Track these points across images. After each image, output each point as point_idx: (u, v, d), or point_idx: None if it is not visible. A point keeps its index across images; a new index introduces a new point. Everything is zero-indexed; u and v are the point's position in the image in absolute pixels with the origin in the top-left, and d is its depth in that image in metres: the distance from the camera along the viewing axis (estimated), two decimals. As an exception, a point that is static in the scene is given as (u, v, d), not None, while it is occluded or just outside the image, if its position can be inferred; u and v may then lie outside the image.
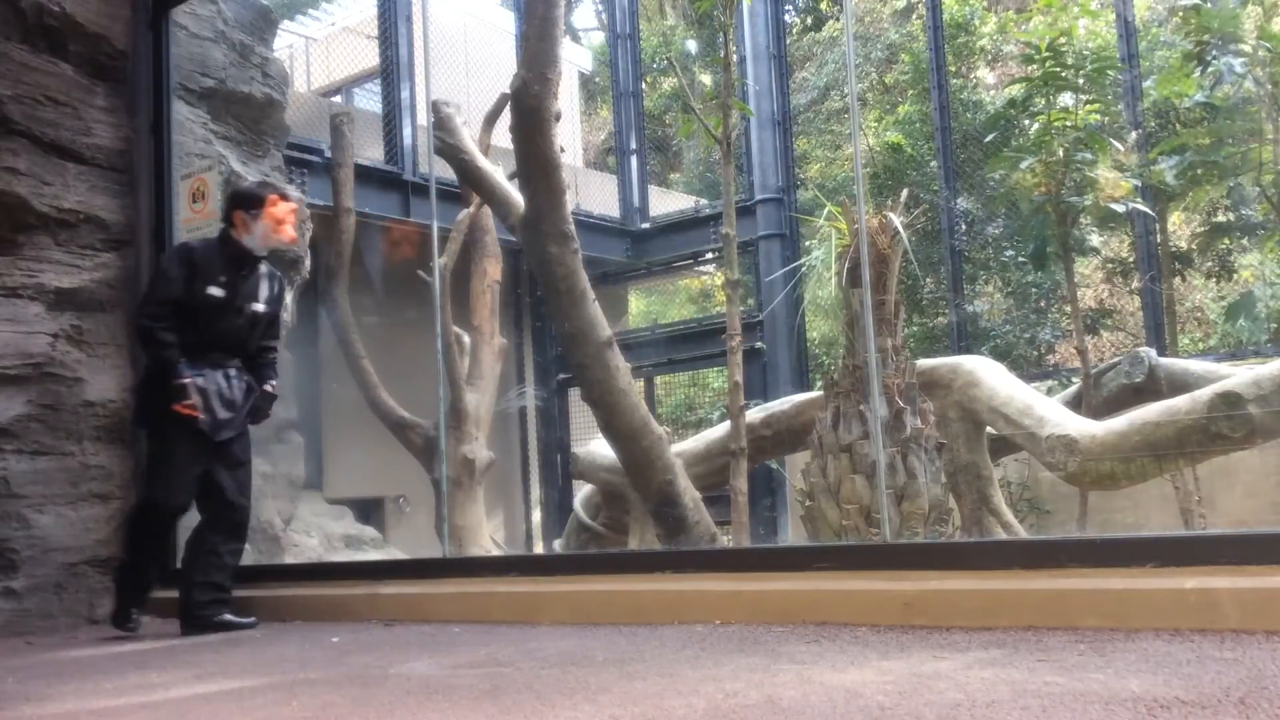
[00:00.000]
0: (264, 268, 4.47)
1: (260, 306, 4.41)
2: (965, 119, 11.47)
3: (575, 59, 16.16)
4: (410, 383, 8.85)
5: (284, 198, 4.42)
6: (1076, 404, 6.90)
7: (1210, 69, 7.92)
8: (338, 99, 12.85)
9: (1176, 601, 2.59)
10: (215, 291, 4.24)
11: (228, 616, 4.25)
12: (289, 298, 6.43)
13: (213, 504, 4.30)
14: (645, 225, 12.15)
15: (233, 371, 4.34)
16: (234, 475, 4.32)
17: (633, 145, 12.26)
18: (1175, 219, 11.05)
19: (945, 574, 3.05)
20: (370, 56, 11.31)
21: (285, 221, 4.38)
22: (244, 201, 4.36)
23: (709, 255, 12.20)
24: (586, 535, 7.96)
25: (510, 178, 7.09)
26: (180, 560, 4.49)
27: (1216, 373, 6.47)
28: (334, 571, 5.31)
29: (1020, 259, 10.75)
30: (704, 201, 13.56)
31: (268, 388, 4.47)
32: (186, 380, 4.10)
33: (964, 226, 10.95)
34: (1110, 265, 11.53)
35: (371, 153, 9.91)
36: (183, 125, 5.56)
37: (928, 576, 3.06)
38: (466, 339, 8.74)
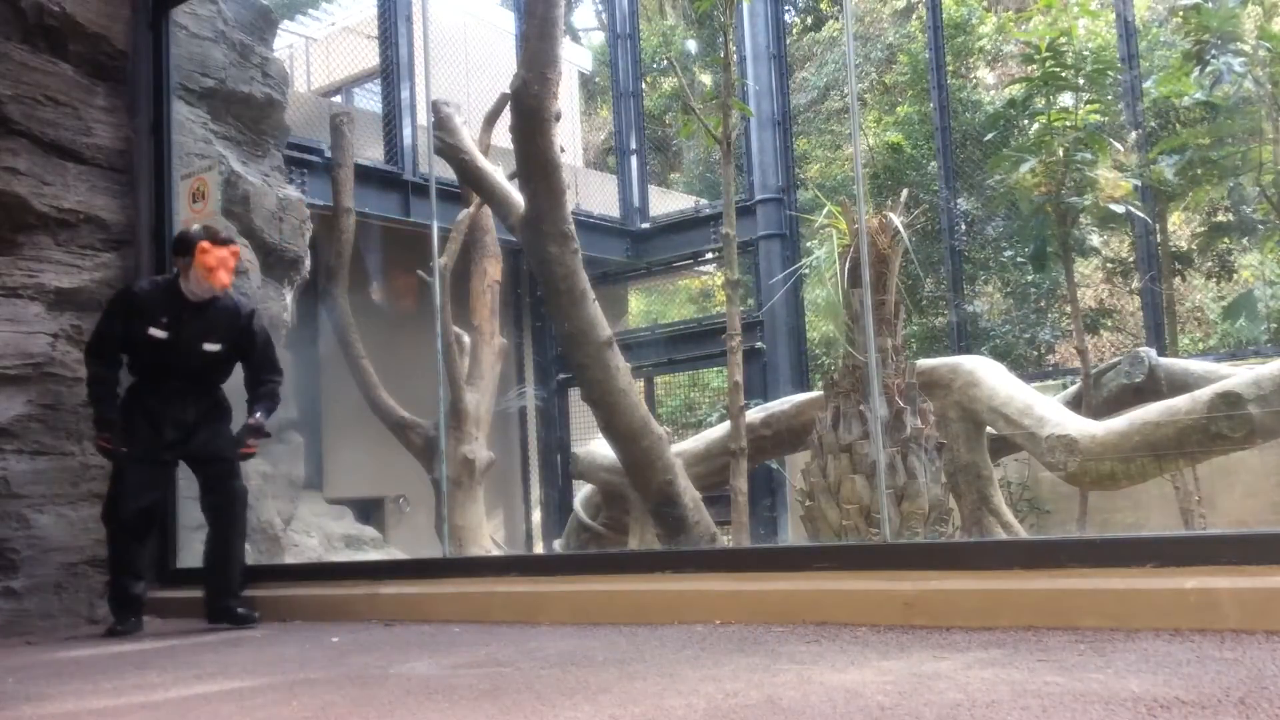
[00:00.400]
0: (224, 305, 4.43)
1: (212, 346, 4.39)
2: (965, 119, 11.47)
3: (575, 59, 16.15)
4: (410, 383, 8.85)
5: (215, 243, 4.32)
6: (1076, 404, 6.90)
7: (1210, 68, 7.93)
8: (338, 99, 12.84)
9: (1176, 601, 2.59)
10: (156, 333, 4.30)
11: (239, 610, 4.34)
12: (288, 299, 6.42)
13: (203, 500, 4.45)
14: (645, 225, 12.15)
15: (190, 396, 4.42)
16: (215, 470, 4.42)
17: (633, 145, 12.26)
18: (1175, 219, 11.05)
19: (945, 574, 3.05)
20: (370, 56, 11.31)
21: (217, 268, 4.29)
22: (178, 248, 4.39)
23: (709, 255, 12.20)
24: (586, 535, 7.96)
25: (510, 178, 7.09)
26: (179, 561, 4.69)
27: (1216, 373, 6.47)
28: (334, 571, 5.31)
29: (1020, 259, 10.75)
30: (704, 201, 13.56)
31: (251, 420, 4.46)
32: (109, 418, 4.30)
33: (964, 226, 10.95)
34: (1110, 265, 11.53)
35: (371, 153, 9.91)
36: (183, 125, 5.56)
37: (928, 576, 3.06)
38: (466, 339, 8.74)
